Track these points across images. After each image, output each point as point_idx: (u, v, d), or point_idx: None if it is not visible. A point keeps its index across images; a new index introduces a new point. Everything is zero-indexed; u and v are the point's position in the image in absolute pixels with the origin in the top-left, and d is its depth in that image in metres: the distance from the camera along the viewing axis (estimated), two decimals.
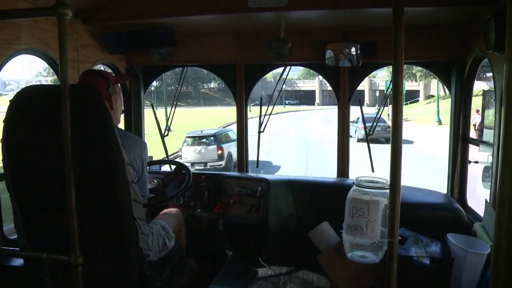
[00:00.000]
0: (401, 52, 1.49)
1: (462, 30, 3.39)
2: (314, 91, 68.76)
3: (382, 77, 50.18)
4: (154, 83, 54.20)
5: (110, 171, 2.00)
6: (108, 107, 2.54)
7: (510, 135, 0.98)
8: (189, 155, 15.15)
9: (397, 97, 1.51)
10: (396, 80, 1.52)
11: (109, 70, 4.24)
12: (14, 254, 2.51)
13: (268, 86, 64.24)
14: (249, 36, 3.85)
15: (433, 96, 44.50)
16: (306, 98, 69.39)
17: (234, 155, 13.59)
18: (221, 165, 15.20)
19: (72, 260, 1.76)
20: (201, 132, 16.39)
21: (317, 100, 67.63)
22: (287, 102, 64.02)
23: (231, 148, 15.06)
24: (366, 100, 58.00)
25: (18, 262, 2.50)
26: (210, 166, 14.88)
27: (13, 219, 2.16)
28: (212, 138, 15.38)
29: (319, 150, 19.36)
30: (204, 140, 15.62)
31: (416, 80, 52.11)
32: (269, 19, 3.40)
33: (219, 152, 15.19)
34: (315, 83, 68.35)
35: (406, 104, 44.09)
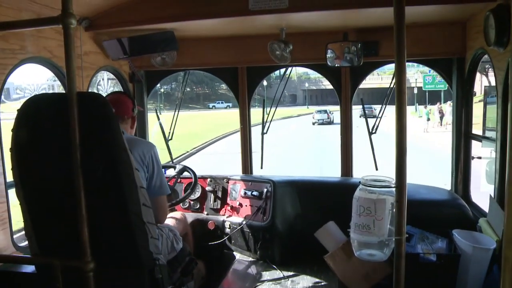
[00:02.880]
0: (404, 51, 1.50)
1: (461, 27, 3.41)
2: None
3: (412, 74, 42.88)
4: (168, 86, 54.03)
5: (119, 176, 2.02)
6: (129, 126, 2.86)
7: None
8: (316, 116, 36.36)
9: (400, 97, 1.53)
10: (400, 79, 1.54)
11: (112, 76, 4.27)
12: (26, 261, 2.53)
13: (291, 85, 63.62)
14: (251, 39, 3.87)
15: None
16: (333, 96, 66.85)
17: (333, 118, 34.73)
18: (328, 121, 34.98)
19: (83, 266, 1.78)
20: (321, 109, 38.00)
21: None
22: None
23: (332, 114, 35.64)
24: None
25: (30, 269, 2.52)
26: (324, 121, 35.32)
27: (23, 226, 2.19)
28: (325, 111, 36.63)
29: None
30: (322, 110, 37.01)
31: None
32: (270, 22, 3.41)
33: (328, 115, 35.87)
34: None
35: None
